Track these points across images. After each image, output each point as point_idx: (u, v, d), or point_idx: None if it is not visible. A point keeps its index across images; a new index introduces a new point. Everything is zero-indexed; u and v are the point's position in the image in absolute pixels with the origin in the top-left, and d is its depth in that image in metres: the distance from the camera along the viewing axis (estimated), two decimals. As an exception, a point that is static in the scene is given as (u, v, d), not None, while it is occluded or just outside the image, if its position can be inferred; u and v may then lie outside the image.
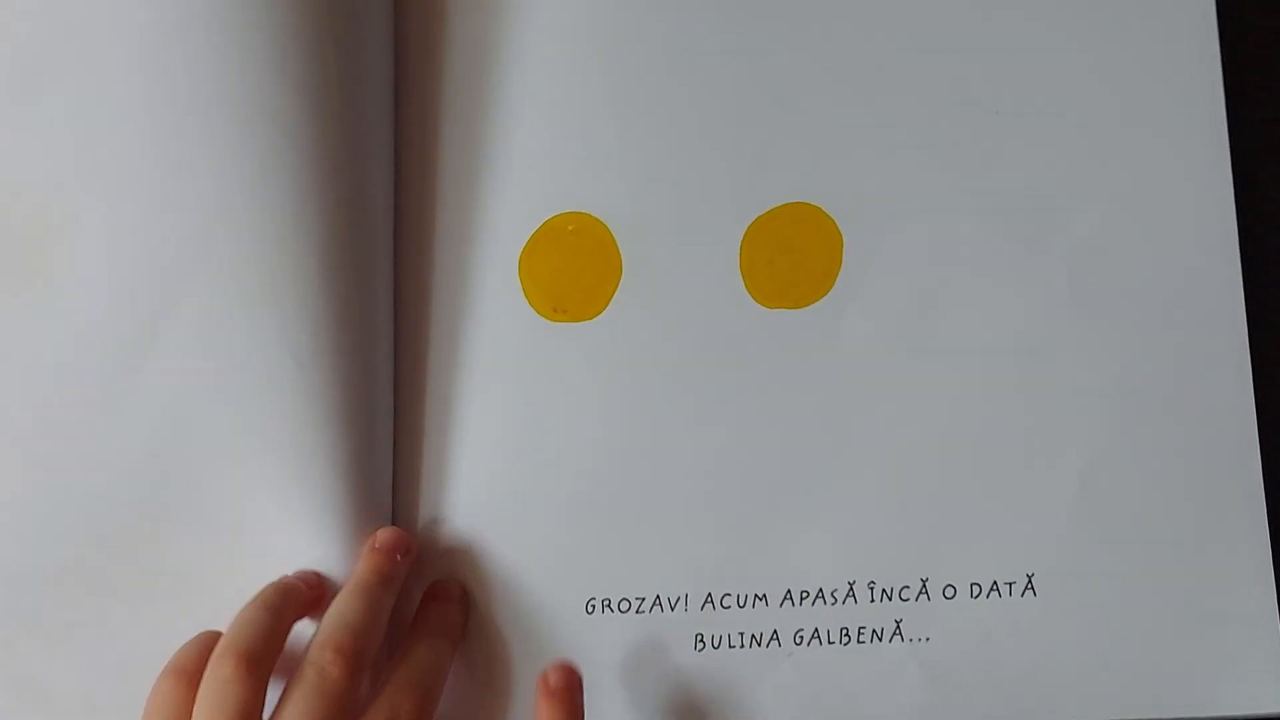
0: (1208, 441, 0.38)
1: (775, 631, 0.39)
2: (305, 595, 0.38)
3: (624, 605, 0.39)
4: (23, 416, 0.39)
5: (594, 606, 0.39)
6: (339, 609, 0.37)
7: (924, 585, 0.39)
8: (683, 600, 0.39)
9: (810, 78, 0.40)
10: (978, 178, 0.40)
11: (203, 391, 0.38)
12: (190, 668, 0.36)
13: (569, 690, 0.37)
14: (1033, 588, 0.38)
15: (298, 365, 0.37)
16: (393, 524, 0.40)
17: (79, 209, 0.38)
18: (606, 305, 0.40)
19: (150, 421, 0.38)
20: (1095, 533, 0.38)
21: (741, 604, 0.39)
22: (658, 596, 0.39)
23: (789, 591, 0.39)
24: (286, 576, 0.38)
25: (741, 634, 0.39)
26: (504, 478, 0.40)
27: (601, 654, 0.39)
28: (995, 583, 0.38)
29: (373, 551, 0.38)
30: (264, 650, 0.35)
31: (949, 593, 0.39)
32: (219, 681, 0.34)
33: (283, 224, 0.37)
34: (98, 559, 0.39)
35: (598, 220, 0.40)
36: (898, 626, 0.39)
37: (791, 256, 0.40)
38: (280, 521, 0.38)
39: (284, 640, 0.37)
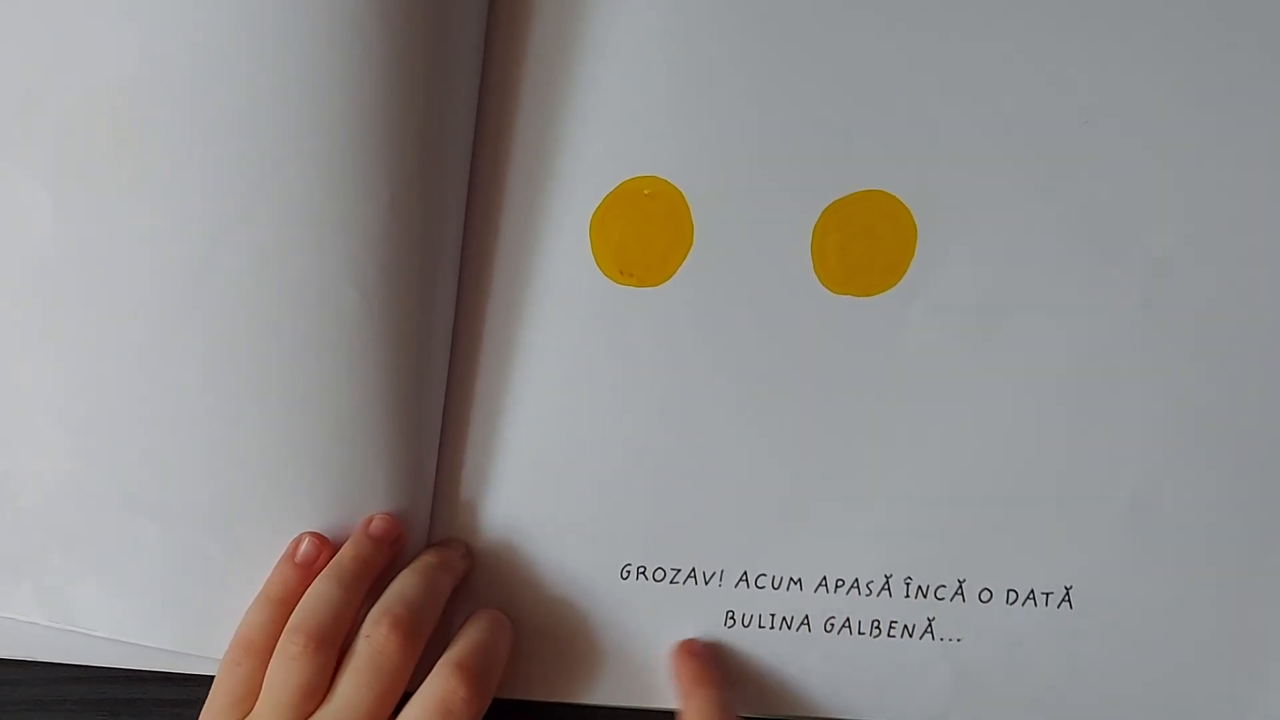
0: (1267, 474, 0.38)
1: (806, 616, 0.39)
2: (383, 557, 0.38)
3: (659, 574, 0.39)
4: (79, 327, 0.39)
5: (629, 572, 0.39)
6: (398, 584, 0.37)
7: (960, 586, 0.39)
8: (717, 575, 0.39)
9: (903, 68, 0.39)
10: (1060, 185, 0.39)
11: (261, 320, 0.37)
12: (258, 641, 0.36)
13: (709, 653, 0.38)
14: (1069, 600, 0.38)
15: (362, 298, 0.37)
16: (438, 476, 0.40)
17: (157, 117, 0.38)
18: (674, 273, 0.40)
19: (205, 345, 0.38)
20: (1140, 553, 0.38)
21: (776, 585, 0.39)
22: (693, 569, 0.39)
23: (824, 578, 0.39)
24: (363, 537, 0.38)
25: (773, 615, 0.39)
26: (552, 435, 0.40)
27: (631, 620, 0.39)
28: (1033, 591, 0.38)
29: (443, 541, 0.39)
30: (334, 627, 0.35)
31: (984, 596, 0.38)
32: (287, 658, 0.35)
33: (356, 156, 0.37)
34: (136, 479, 0.39)
35: (674, 187, 0.40)
36: (930, 625, 0.39)
37: (864, 244, 0.39)
38: (324, 461, 0.38)
39: (358, 610, 0.36)
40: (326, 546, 0.38)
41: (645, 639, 0.39)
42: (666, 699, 0.39)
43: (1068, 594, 0.38)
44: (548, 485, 0.40)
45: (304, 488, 0.38)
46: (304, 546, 0.38)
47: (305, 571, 0.37)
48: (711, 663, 0.38)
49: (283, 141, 0.37)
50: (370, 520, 0.38)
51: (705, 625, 0.39)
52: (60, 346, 0.39)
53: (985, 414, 0.39)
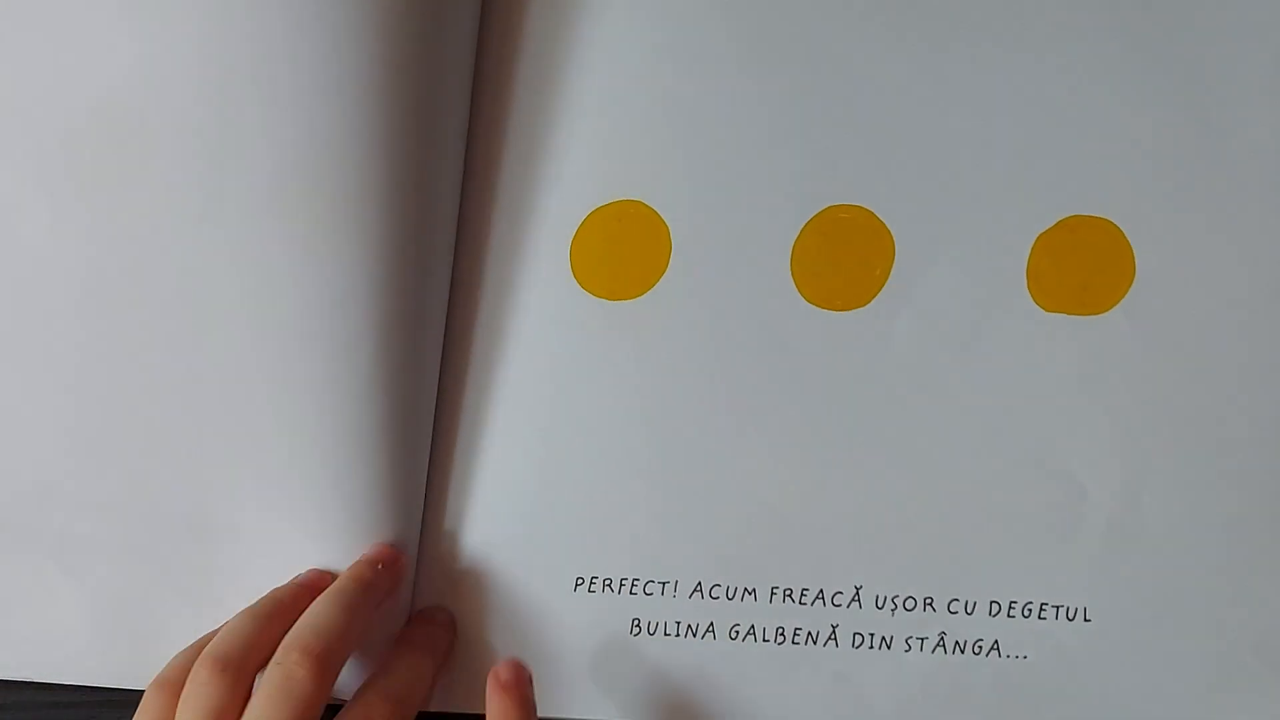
0: (1255, 479, 0.37)
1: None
2: (302, 603, 0.38)
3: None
4: (69, 341, 0.39)
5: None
6: (312, 612, 0.37)
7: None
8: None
9: (877, 82, 0.40)
10: (1037, 195, 0.39)
11: (247, 342, 0.38)
12: (174, 679, 0.36)
13: (519, 684, 0.37)
14: (1084, 615, 0.37)
15: (363, 303, 0.37)
16: (427, 491, 0.40)
17: (154, 127, 0.38)
18: (650, 289, 0.40)
19: (189, 357, 0.38)
20: (1132, 563, 0.37)
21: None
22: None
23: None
24: (288, 584, 0.38)
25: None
26: (531, 453, 0.40)
27: (581, 633, 0.39)
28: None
29: (358, 561, 0.39)
30: (242, 655, 0.35)
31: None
32: (196, 684, 0.35)
33: (351, 178, 0.37)
34: (120, 492, 0.39)
35: (652, 209, 0.40)
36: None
37: (843, 259, 0.39)
38: (320, 481, 0.38)
39: (270, 648, 0.36)
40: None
41: (594, 651, 0.39)
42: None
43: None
44: (526, 499, 0.40)
45: (300, 508, 0.38)
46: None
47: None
48: (515, 698, 0.36)
49: (286, 154, 0.37)
50: (300, 575, 0.39)
51: (657, 634, 0.39)
52: (55, 357, 0.39)
53: (969, 426, 0.38)
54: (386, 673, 0.37)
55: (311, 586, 0.38)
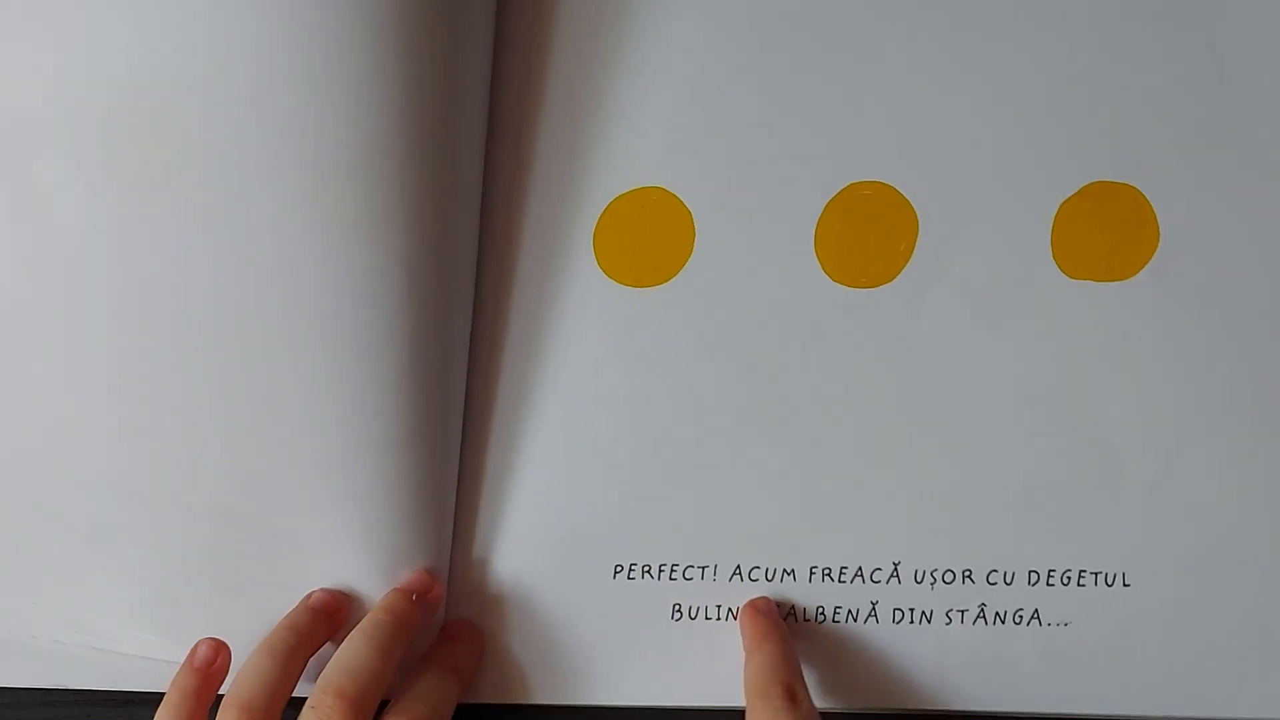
0: None
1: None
2: (321, 630, 0.37)
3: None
4: (107, 330, 0.38)
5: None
6: (346, 650, 0.36)
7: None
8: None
9: (894, 56, 0.40)
10: (1058, 163, 0.39)
11: (276, 339, 0.37)
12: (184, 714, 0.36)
13: (772, 609, 0.38)
14: (1122, 579, 0.38)
15: (393, 304, 0.37)
16: (460, 484, 0.40)
17: (195, 121, 0.36)
18: (676, 274, 0.40)
19: (222, 350, 0.37)
20: (1173, 529, 0.37)
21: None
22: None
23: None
24: (302, 611, 0.37)
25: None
26: (555, 438, 0.40)
27: (622, 620, 0.39)
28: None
29: (393, 591, 0.38)
30: (267, 700, 0.35)
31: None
32: None
33: (374, 171, 0.36)
34: (153, 482, 0.38)
35: (674, 195, 0.40)
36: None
37: (867, 236, 0.39)
38: (354, 487, 0.37)
39: (294, 682, 0.36)
40: (224, 649, 0.37)
41: (640, 637, 0.39)
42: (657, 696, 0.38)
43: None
44: (561, 490, 0.39)
45: (326, 502, 0.38)
46: (201, 649, 0.37)
47: (203, 676, 0.37)
48: (774, 619, 0.37)
49: (314, 148, 0.36)
50: (310, 595, 0.38)
51: (701, 617, 0.38)
52: (93, 346, 0.38)
53: (1000, 397, 0.38)
54: (411, 695, 0.36)
55: (327, 613, 0.38)
